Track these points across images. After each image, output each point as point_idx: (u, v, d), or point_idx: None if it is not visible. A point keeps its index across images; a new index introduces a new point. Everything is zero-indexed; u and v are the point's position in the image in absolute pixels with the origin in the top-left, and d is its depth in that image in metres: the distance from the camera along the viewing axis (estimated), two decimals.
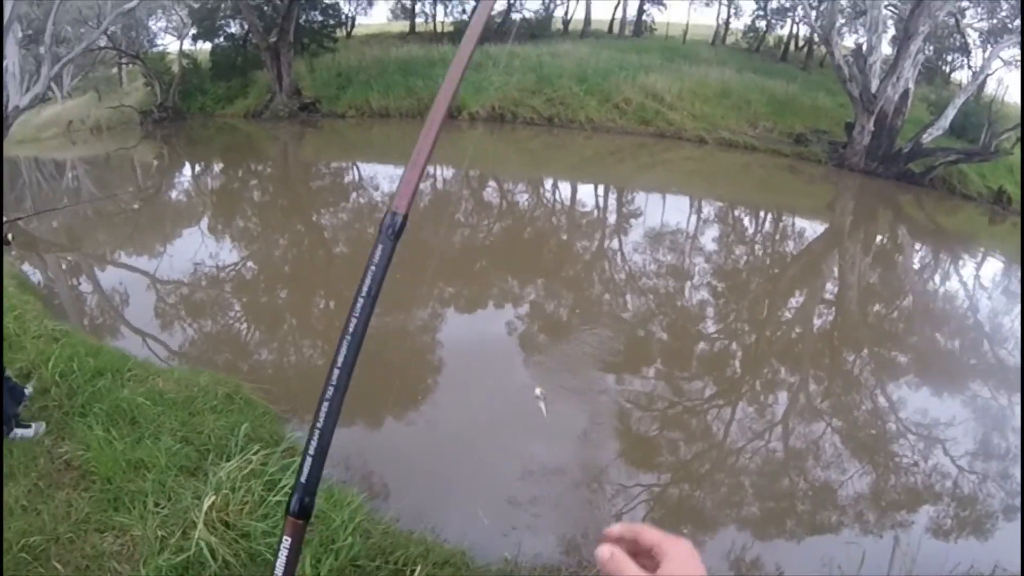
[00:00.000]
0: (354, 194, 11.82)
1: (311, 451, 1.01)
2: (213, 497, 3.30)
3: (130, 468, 3.75)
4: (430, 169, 12.50)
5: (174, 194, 13.94)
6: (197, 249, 9.22)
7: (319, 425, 1.01)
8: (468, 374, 6.51)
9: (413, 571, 3.30)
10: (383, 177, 12.33)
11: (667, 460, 6.05)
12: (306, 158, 14.42)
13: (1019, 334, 10.64)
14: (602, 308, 8.76)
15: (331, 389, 1.02)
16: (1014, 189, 16.11)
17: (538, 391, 3.17)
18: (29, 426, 4.26)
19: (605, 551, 0.79)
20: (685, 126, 17.52)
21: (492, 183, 12.75)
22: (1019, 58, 18.37)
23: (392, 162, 13.08)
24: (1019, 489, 6.99)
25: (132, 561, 3.18)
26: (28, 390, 4.63)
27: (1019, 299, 12.54)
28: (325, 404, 1.01)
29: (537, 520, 4.28)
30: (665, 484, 5.68)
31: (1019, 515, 5.13)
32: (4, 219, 3.96)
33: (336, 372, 1.02)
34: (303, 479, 1.01)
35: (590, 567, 3.75)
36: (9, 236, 3.98)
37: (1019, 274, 13.95)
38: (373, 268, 1.06)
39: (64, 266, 9.21)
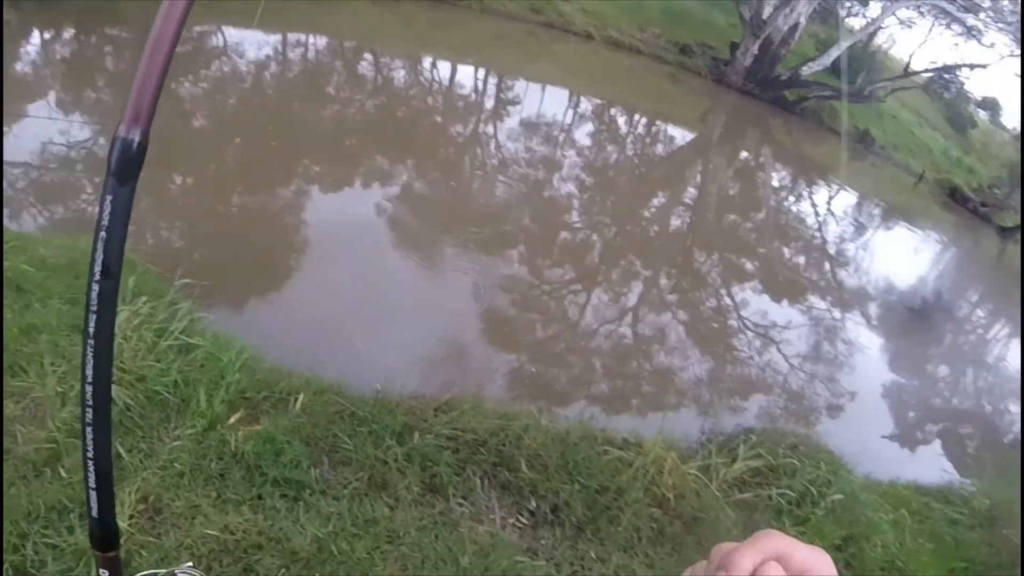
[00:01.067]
0: (216, 62, 10.81)
1: (92, 484, 0.80)
2: None
3: (22, 334, 3.70)
4: (300, 37, 11.66)
5: (19, 66, 12.24)
6: (46, 126, 8.18)
7: (90, 455, 0.79)
8: (335, 251, 6.24)
9: (296, 399, 3.63)
10: (251, 44, 11.33)
11: (525, 339, 6.17)
12: None
13: (863, 262, 11.55)
14: (472, 191, 8.64)
15: (89, 411, 0.79)
16: (878, 133, 17.15)
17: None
18: None
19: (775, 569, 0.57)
20: (575, 19, 16.95)
21: (367, 57, 12.02)
22: (914, 19, 19.04)
23: (260, 28, 12.08)
24: (844, 392, 7.70)
25: (37, 420, 3.20)
26: None
27: (867, 230, 13.55)
28: (88, 430, 0.79)
29: (404, 367, 4.44)
30: (523, 361, 5.81)
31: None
32: None
33: (88, 389, 0.78)
34: (95, 514, 0.81)
35: (446, 392, 3.99)
36: None
37: (871, 207, 15.05)
38: (104, 235, 0.71)
39: None
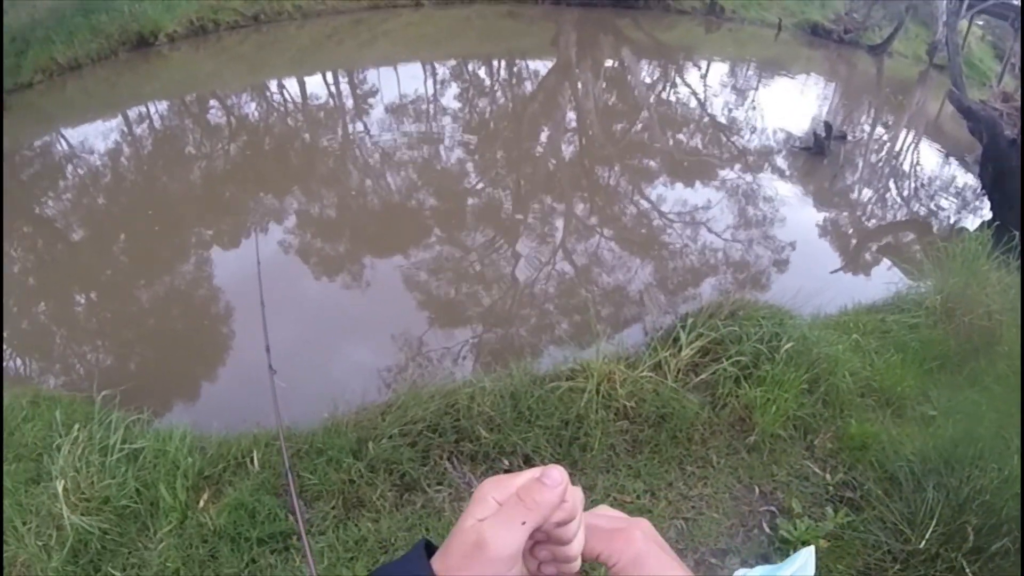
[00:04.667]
0: (70, 166, 10.33)
1: None
2: (62, 482, 3.38)
3: None
4: (140, 110, 11.19)
5: None
6: None
7: None
8: (247, 303, 6.04)
9: (251, 458, 3.69)
10: (95, 135, 10.87)
11: (473, 312, 6.16)
12: (6, 148, 12.47)
13: (756, 122, 11.72)
14: (366, 193, 8.50)
15: None
16: (725, 1, 17.23)
17: None
18: None
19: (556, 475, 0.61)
20: None
21: (213, 103, 11.55)
22: None
23: (99, 118, 11.58)
24: (784, 246, 7.86)
25: None
26: None
27: (748, 93, 13.75)
28: None
29: (348, 387, 4.30)
30: (479, 333, 5.82)
31: None
32: None
33: None
34: None
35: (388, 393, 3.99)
36: None
37: (744, 70, 15.28)
38: None
39: None
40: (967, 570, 2.82)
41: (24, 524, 3.38)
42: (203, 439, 3.98)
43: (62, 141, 10.72)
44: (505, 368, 4.06)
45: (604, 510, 0.72)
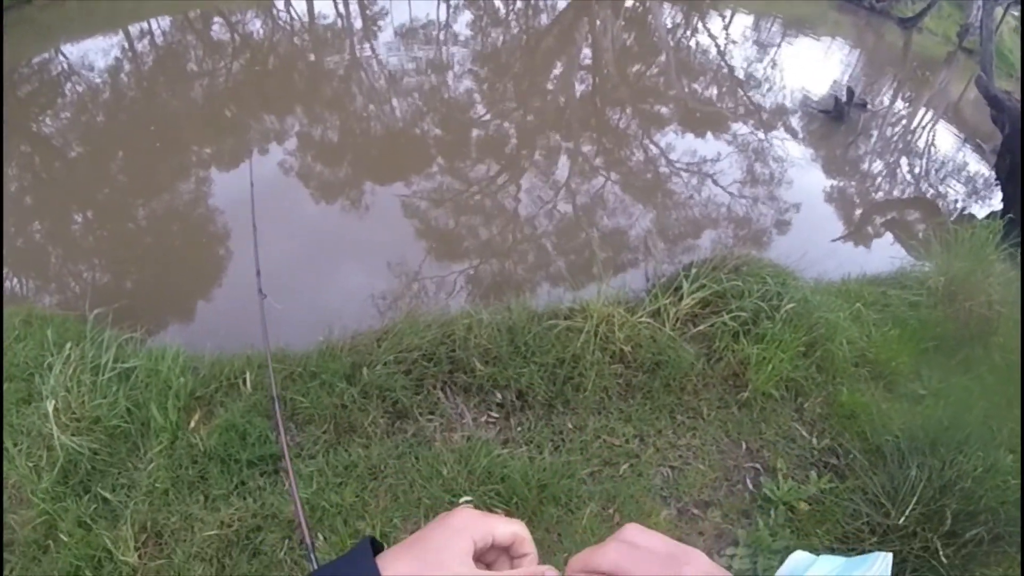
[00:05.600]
0: (69, 83, 10.04)
1: None
2: (53, 402, 3.37)
3: None
4: (142, 26, 10.82)
5: None
6: None
7: None
8: (243, 224, 5.96)
9: (244, 380, 3.67)
10: (95, 52, 10.53)
11: (473, 244, 6.10)
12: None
13: (775, 79, 11.47)
14: (370, 118, 8.34)
15: None
16: None
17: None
18: None
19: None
20: None
21: (218, 19, 11.18)
22: None
23: (99, 33, 11.20)
24: (788, 207, 7.78)
25: (25, 503, 3.26)
26: None
27: (770, 48, 13.45)
28: None
29: (343, 312, 4.35)
30: (477, 265, 5.78)
31: None
32: None
33: None
34: None
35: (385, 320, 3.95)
36: None
37: (768, 25, 14.91)
38: None
39: None
40: (941, 552, 2.85)
41: (15, 445, 3.38)
42: (196, 359, 3.96)
43: (61, 57, 10.36)
44: (503, 302, 4.04)
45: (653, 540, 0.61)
